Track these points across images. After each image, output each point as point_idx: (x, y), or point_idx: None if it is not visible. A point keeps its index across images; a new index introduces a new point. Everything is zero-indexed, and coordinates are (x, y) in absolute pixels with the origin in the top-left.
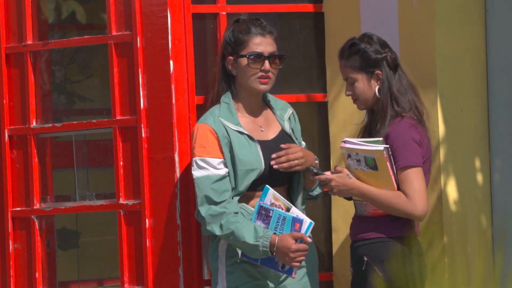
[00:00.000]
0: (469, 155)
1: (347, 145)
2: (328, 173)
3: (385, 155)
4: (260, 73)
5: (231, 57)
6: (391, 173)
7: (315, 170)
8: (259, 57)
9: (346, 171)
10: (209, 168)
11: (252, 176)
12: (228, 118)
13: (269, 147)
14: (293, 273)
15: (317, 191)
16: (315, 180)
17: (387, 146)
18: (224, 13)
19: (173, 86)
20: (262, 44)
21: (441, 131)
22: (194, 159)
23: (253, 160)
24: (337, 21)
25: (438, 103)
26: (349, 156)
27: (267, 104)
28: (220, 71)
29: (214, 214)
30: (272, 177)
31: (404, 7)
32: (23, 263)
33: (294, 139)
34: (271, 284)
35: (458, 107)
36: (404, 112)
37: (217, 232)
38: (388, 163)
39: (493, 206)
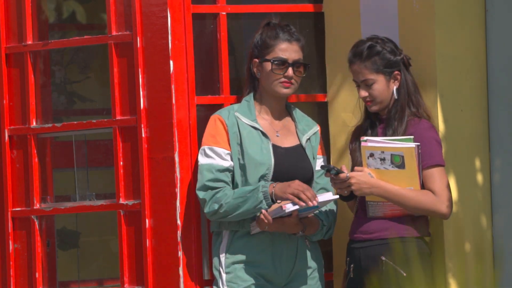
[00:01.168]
0: (469, 155)
1: (370, 144)
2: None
3: (416, 153)
4: (283, 79)
5: (256, 60)
6: (418, 171)
7: (336, 169)
8: (283, 63)
9: (367, 169)
10: (215, 158)
11: (261, 170)
12: (245, 114)
13: (280, 154)
14: (284, 205)
15: (316, 237)
16: (315, 224)
17: (418, 144)
18: (224, 13)
19: (173, 86)
20: (287, 50)
21: (441, 131)
22: (202, 147)
23: (262, 155)
24: (337, 21)
25: (438, 103)
26: (371, 155)
27: (290, 116)
28: (247, 72)
29: (211, 195)
30: (280, 181)
31: (404, 7)
32: (23, 263)
33: (308, 154)
34: (272, 286)
35: (458, 107)
36: (418, 112)
37: (216, 206)
38: (417, 161)
39: (493, 206)
